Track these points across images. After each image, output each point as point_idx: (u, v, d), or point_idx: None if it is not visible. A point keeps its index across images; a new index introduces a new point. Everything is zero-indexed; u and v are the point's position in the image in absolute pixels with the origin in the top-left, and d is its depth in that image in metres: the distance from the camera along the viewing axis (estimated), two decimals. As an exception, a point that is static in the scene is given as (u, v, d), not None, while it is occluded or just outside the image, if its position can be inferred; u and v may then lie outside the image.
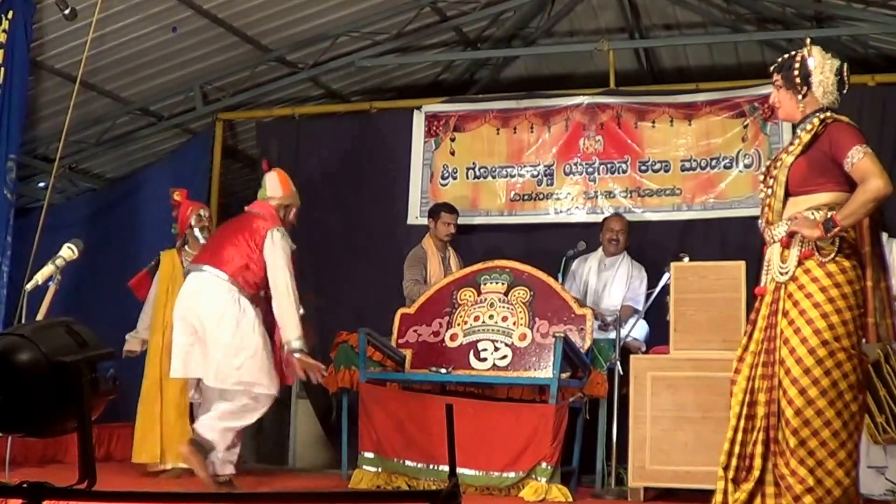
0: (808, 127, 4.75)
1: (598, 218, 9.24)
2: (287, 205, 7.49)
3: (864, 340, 4.71)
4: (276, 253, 7.12)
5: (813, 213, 4.65)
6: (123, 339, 8.33)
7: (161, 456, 8.11)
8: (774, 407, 4.60)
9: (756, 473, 4.62)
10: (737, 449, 4.72)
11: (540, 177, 9.83)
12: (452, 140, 10.09)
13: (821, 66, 4.77)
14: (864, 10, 9.48)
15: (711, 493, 6.72)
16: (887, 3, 9.29)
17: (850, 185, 4.66)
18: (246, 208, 7.56)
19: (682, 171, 9.46)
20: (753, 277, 7.71)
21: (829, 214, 4.58)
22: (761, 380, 4.70)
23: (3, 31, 8.43)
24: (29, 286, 7.17)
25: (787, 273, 4.68)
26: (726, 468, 4.74)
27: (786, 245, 4.71)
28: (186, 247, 8.50)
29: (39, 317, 7.07)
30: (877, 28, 9.45)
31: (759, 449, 4.64)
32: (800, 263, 4.66)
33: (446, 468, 7.06)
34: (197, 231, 8.45)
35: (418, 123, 10.22)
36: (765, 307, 4.79)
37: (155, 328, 8.36)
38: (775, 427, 4.59)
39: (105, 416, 3.06)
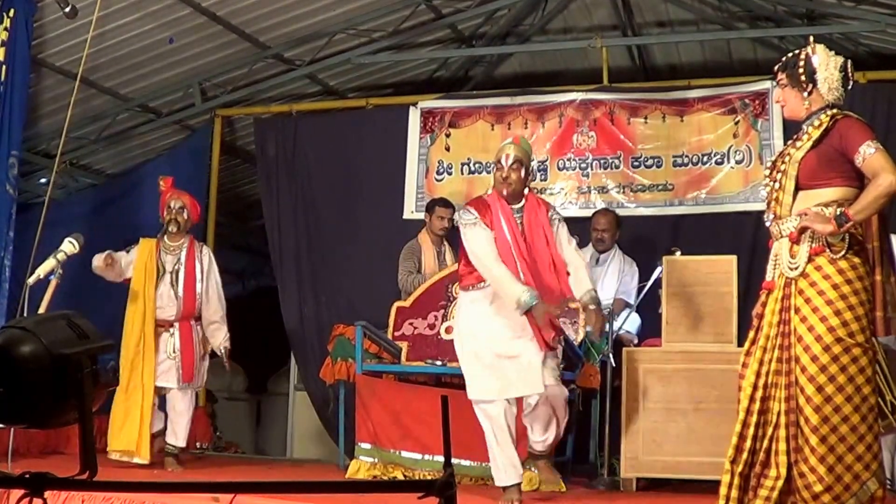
0: (816, 123, 4.74)
1: (592, 213, 9.28)
2: (495, 171, 6.54)
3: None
4: (463, 238, 6.44)
5: (823, 209, 4.63)
6: (123, 333, 8.28)
7: (137, 446, 7.81)
8: (793, 404, 4.58)
9: (783, 471, 4.58)
10: (747, 444, 4.69)
11: (534, 172, 9.88)
12: (447, 136, 10.15)
13: (825, 64, 4.77)
14: (854, 8, 9.50)
15: (702, 483, 6.90)
16: (878, 1, 9.30)
17: (859, 180, 4.66)
18: None
19: (675, 166, 9.50)
20: (744, 271, 7.84)
21: (841, 209, 4.56)
22: (775, 375, 4.68)
23: (5, 29, 8.45)
24: (31, 280, 7.23)
25: (797, 269, 4.65)
26: (734, 462, 4.71)
27: (795, 240, 4.68)
28: (165, 237, 8.32)
29: (41, 310, 7.14)
30: (868, 26, 9.45)
31: (782, 446, 4.61)
32: (810, 259, 4.63)
33: (442, 458, 7.09)
34: (167, 223, 8.28)
35: (414, 119, 10.27)
36: (773, 302, 4.75)
37: (129, 315, 8.11)
38: (795, 424, 4.57)
39: (105, 408, 3.10)
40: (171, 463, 7.98)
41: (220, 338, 8.23)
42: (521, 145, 6.59)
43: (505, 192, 6.39)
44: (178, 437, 8.03)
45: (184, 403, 8.08)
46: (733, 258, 7.39)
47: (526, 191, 6.52)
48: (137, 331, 7.98)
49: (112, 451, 7.84)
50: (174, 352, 8.05)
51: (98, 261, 8.03)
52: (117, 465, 7.71)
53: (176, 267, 8.19)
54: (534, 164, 9.73)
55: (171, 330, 8.10)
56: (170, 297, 8.13)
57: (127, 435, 7.82)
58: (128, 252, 8.27)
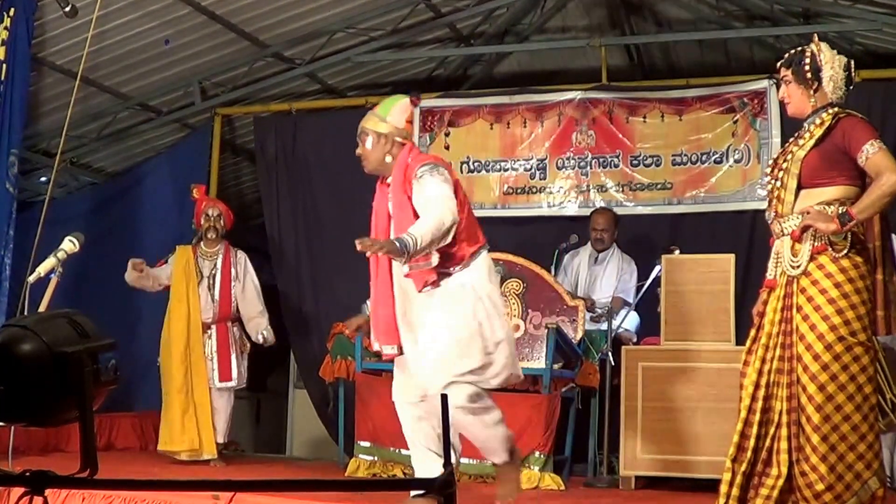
0: (818, 121, 4.74)
1: (590, 212, 9.31)
2: None
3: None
4: None
5: (825, 207, 4.63)
6: (123, 331, 8.40)
7: (201, 444, 8.39)
8: (795, 402, 4.58)
9: (783, 470, 4.58)
10: (750, 443, 4.69)
11: (533, 171, 9.92)
12: (447, 135, 10.17)
13: (830, 62, 4.77)
14: (850, 7, 9.50)
15: (701, 481, 6.92)
16: (874, 1, 9.32)
17: (860, 179, 4.66)
18: None
19: (673, 165, 9.53)
20: (742, 270, 7.86)
21: (844, 208, 4.57)
22: (777, 374, 4.67)
23: (5, 28, 8.46)
24: (31, 279, 7.23)
25: (799, 267, 4.66)
26: (735, 461, 4.71)
27: (797, 239, 4.68)
28: (201, 243, 8.73)
29: (41, 309, 7.16)
30: (863, 25, 9.47)
31: (783, 445, 4.60)
32: (812, 258, 4.63)
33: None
34: (205, 230, 8.68)
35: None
36: (775, 300, 4.75)
37: (173, 319, 8.55)
38: (796, 423, 4.57)
39: (106, 406, 3.10)
40: (216, 458, 8.44)
41: (261, 327, 8.70)
42: (374, 110, 5.83)
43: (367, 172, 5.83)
44: (218, 433, 8.50)
45: (220, 402, 8.57)
46: (731, 257, 7.40)
47: (389, 159, 5.66)
48: (183, 334, 8.47)
49: (174, 451, 8.37)
50: (211, 353, 8.53)
51: (129, 274, 8.51)
52: (173, 462, 8.30)
53: (213, 272, 8.68)
54: (532, 162, 9.86)
55: (209, 332, 8.57)
56: (207, 301, 8.60)
57: (189, 434, 8.34)
58: (166, 262, 8.73)
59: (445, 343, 5.40)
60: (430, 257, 5.40)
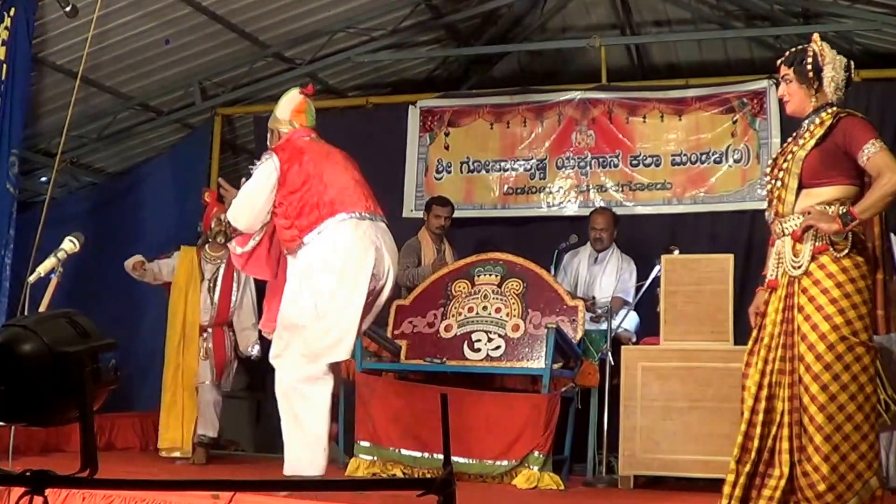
0: (818, 121, 4.72)
1: (590, 211, 9.31)
2: None
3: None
4: None
5: (826, 208, 4.61)
6: (123, 331, 8.42)
7: (182, 442, 8.44)
8: (797, 402, 4.56)
9: (785, 470, 4.56)
10: (755, 443, 4.66)
11: (532, 171, 9.93)
12: (447, 135, 10.19)
13: (832, 62, 4.74)
14: (850, 7, 9.54)
15: (699, 481, 6.92)
16: (873, 0, 9.35)
17: (860, 178, 4.65)
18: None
19: (673, 165, 9.55)
20: (741, 270, 7.86)
21: (845, 208, 4.55)
22: (779, 374, 4.66)
23: (6, 28, 8.46)
24: (31, 279, 7.23)
25: (800, 267, 4.64)
26: (739, 461, 4.69)
27: (798, 239, 4.66)
28: (207, 246, 8.75)
29: (41, 309, 7.16)
30: (862, 25, 9.52)
31: (784, 445, 4.59)
32: (813, 258, 4.61)
33: (441, 456, 7.08)
34: (215, 234, 8.66)
35: (413, 118, 10.31)
36: (777, 300, 4.73)
37: (173, 317, 8.60)
38: (798, 423, 4.55)
39: (106, 406, 3.10)
40: (199, 455, 8.45)
41: (251, 341, 8.72)
42: None
43: None
44: (210, 427, 8.53)
45: (213, 396, 8.59)
46: (730, 257, 7.38)
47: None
48: (178, 334, 8.54)
49: (161, 448, 8.53)
50: (207, 353, 8.58)
51: (129, 268, 8.56)
52: (166, 461, 8.43)
53: (214, 276, 8.71)
54: (532, 162, 9.87)
55: (205, 335, 8.62)
56: (205, 304, 8.62)
57: (173, 432, 8.45)
58: (169, 257, 8.77)
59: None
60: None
